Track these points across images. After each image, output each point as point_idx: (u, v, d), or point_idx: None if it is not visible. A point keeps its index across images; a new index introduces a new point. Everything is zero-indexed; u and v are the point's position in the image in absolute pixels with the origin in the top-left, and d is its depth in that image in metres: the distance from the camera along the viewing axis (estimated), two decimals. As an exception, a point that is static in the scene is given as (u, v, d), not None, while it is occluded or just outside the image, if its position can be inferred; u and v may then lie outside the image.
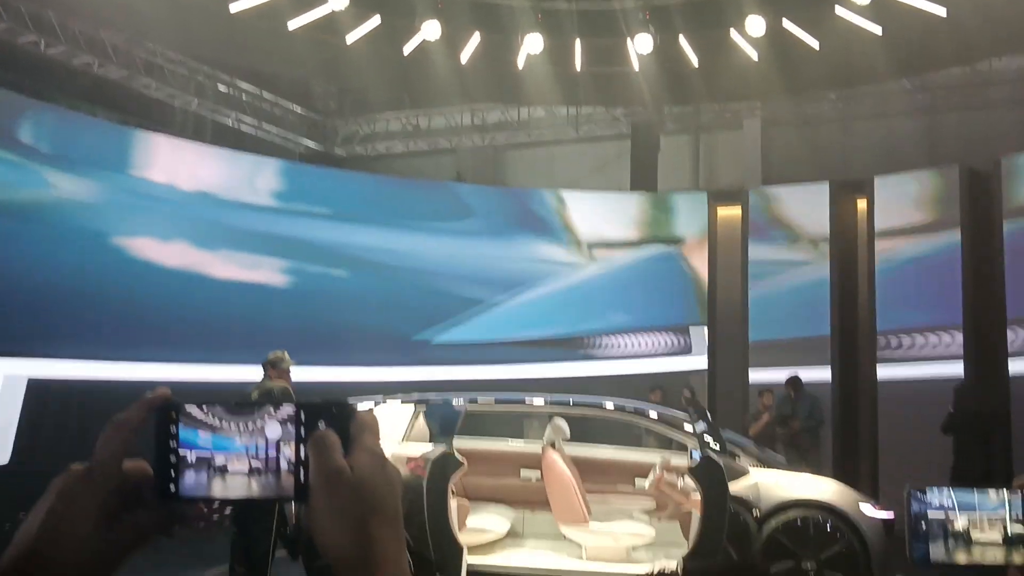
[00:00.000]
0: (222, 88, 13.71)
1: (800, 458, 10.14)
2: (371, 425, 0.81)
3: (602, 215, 13.66)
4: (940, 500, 0.93)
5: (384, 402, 7.27)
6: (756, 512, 6.51)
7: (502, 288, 13.30)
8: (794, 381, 10.90)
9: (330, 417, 0.82)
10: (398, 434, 6.93)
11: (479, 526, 7.30)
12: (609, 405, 7.73)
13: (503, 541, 7.54)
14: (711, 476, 6.28)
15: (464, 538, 7.03)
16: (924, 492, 0.93)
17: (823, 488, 6.89)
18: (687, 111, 14.65)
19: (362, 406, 0.80)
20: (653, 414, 7.72)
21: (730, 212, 13.46)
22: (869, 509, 6.69)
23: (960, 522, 0.92)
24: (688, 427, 7.07)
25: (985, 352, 11.04)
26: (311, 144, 15.49)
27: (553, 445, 7.49)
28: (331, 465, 0.77)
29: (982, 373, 10.99)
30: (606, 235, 13.64)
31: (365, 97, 15.50)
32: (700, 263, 13.47)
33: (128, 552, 0.80)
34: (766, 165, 14.19)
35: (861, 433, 11.91)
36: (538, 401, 7.59)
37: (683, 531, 7.05)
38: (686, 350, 13.34)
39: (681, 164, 14.79)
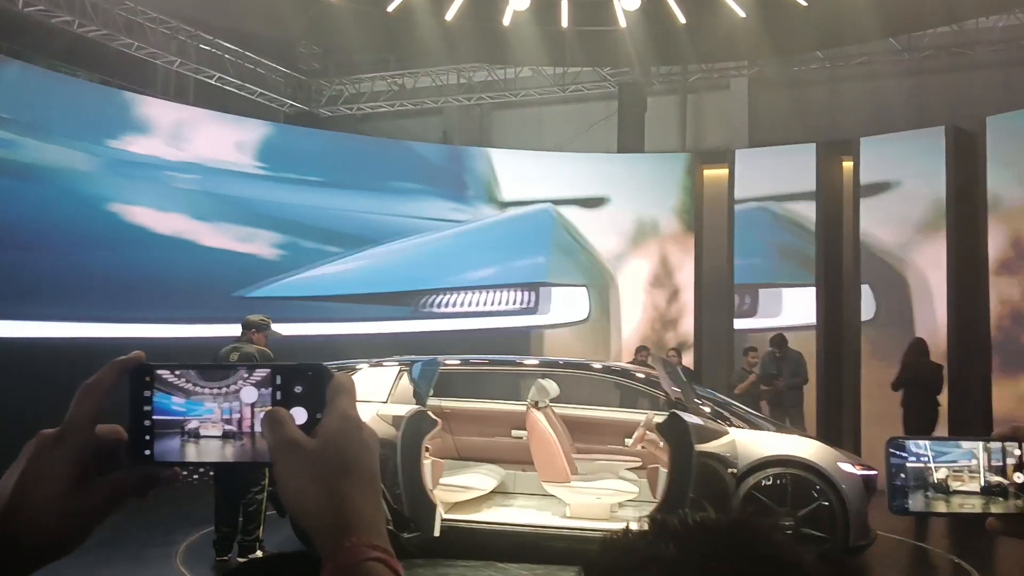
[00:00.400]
0: (204, 48, 13.54)
1: (784, 416, 10.26)
2: (347, 387, 0.79)
3: (528, 174, 13.58)
4: (919, 451, 0.93)
5: (380, 365, 7.34)
6: (733, 470, 6.55)
7: (356, 243, 12.83)
8: (779, 339, 10.96)
9: (306, 380, 0.81)
10: (383, 395, 7.01)
11: (463, 484, 7.40)
12: (597, 366, 7.88)
13: (493, 498, 7.67)
14: (677, 433, 6.43)
15: (447, 496, 7.15)
16: (903, 443, 0.93)
17: (801, 446, 6.90)
18: (674, 71, 14.58)
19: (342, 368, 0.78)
20: (640, 375, 7.80)
21: (717, 172, 13.47)
22: (848, 467, 6.70)
23: (939, 473, 0.93)
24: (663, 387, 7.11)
25: (966, 307, 11.14)
26: (296, 104, 15.35)
27: (536, 405, 7.55)
28: (283, 438, 0.76)
29: (963, 327, 11.10)
30: (526, 194, 13.62)
31: (350, 57, 15.36)
32: (601, 223, 13.43)
33: (102, 516, 0.80)
34: (753, 126, 14.17)
35: (846, 390, 12.03)
36: (530, 362, 7.67)
37: (650, 487, 7.09)
38: (531, 309, 13.31)
39: (668, 125, 14.74)
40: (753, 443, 6.78)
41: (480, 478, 7.58)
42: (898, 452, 0.92)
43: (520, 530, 7.01)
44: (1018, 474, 0.90)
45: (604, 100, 14.97)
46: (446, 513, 6.98)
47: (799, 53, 13.47)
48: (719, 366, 12.47)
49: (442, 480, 7.32)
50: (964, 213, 11.34)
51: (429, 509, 6.53)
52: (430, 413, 6.71)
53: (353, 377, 0.83)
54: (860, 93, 13.65)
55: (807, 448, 6.88)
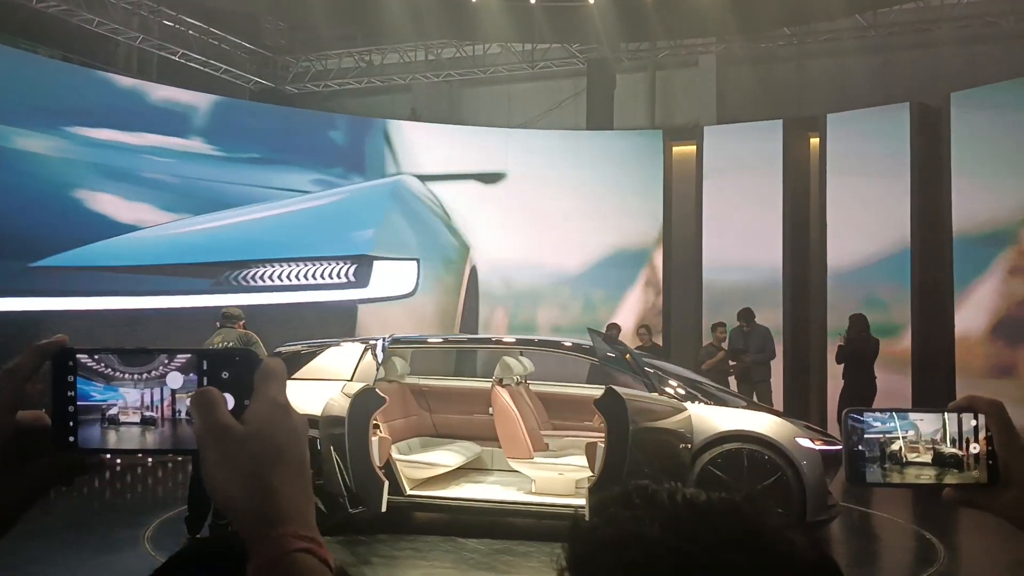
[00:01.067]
0: (168, 24, 13.31)
1: (752, 390, 10.36)
2: (276, 373, 0.77)
3: (427, 148, 13.52)
4: (876, 423, 0.94)
5: (338, 345, 7.34)
6: (687, 445, 6.56)
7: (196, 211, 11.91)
8: (746, 313, 11.04)
9: (233, 365, 0.79)
10: (347, 373, 7.07)
11: (428, 461, 7.46)
12: (567, 344, 7.91)
13: (468, 475, 7.74)
14: (613, 408, 6.39)
15: (414, 472, 7.22)
16: (861, 415, 0.95)
17: (758, 421, 6.84)
18: (643, 48, 14.56)
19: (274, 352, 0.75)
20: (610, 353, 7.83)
21: (685, 149, 13.52)
22: (806, 441, 6.65)
23: (896, 444, 0.94)
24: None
25: (931, 288, 11.30)
26: (261, 81, 15.16)
27: (501, 382, 7.59)
28: (213, 423, 0.74)
29: (928, 306, 11.26)
30: (424, 169, 13.57)
31: (316, 33, 15.17)
32: (470, 199, 13.39)
33: (26, 504, 0.78)
34: (721, 103, 14.21)
35: (812, 365, 12.18)
36: (508, 340, 7.69)
37: (589, 462, 6.99)
38: (353, 284, 12.75)
39: (637, 102, 14.74)
40: (710, 418, 6.76)
41: (446, 455, 7.62)
42: (855, 424, 0.93)
43: (483, 506, 7.05)
44: (974, 445, 0.91)
45: (573, 77, 14.94)
46: (412, 489, 7.06)
47: (766, 30, 13.50)
48: (688, 342, 12.56)
49: (408, 457, 7.39)
50: (928, 187, 11.47)
51: (377, 486, 6.56)
52: (378, 391, 6.70)
53: (283, 361, 0.80)
54: (826, 70, 13.72)
55: (763, 423, 6.83)
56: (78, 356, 0.80)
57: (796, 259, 12.52)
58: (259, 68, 15.20)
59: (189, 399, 0.77)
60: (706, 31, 13.57)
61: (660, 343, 12.20)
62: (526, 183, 13.60)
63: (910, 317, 11.31)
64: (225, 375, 0.78)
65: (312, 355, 7.41)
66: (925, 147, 11.56)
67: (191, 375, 0.79)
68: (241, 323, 7.33)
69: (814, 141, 12.69)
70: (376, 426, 6.74)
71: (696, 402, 6.92)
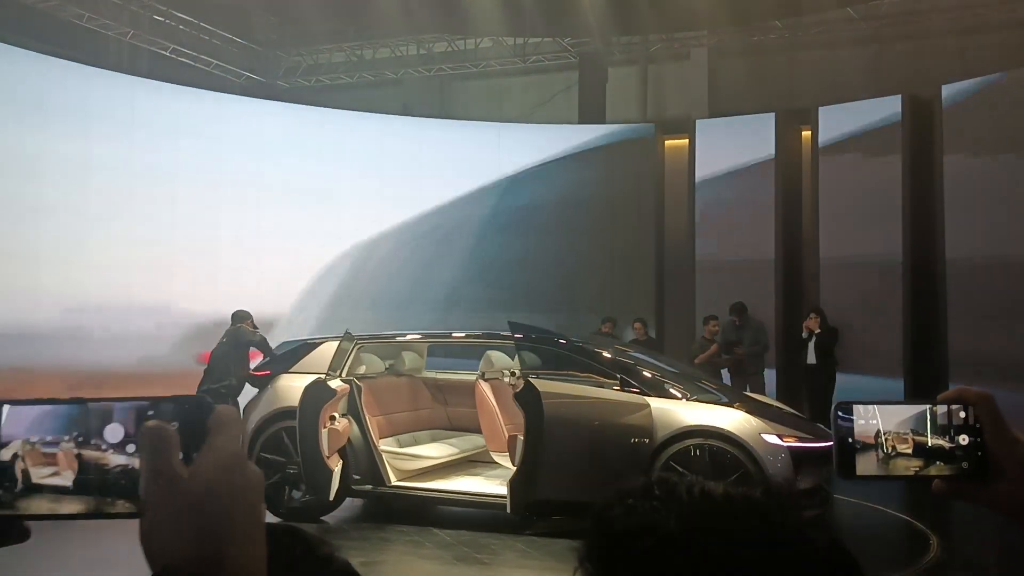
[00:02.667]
0: (158, 19, 13.26)
1: (745, 383, 10.38)
2: (230, 421, 0.71)
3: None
4: (866, 415, 0.94)
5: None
6: (646, 440, 6.48)
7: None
8: (738, 307, 11.06)
9: (183, 413, 0.72)
10: (336, 369, 7.25)
11: (417, 453, 7.61)
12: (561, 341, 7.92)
13: (468, 467, 7.85)
14: (530, 401, 6.50)
15: (402, 464, 7.42)
16: (850, 407, 0.94)
17: (722, 417, 6.64)
18: (634, 41, 14.55)
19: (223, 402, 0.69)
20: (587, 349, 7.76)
21: (678, 143, 13.52)
22: (773, 438, 6.44)
23: (886, 437, 0.94)
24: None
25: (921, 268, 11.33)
26: (252, 76, 15.11)
27: (483, 376, 7.71)
28: (163, 469, 0.67)
29: (920, 297, 11.29)
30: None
31: (307, 28, 15.13)
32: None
33: None
34: (713, 96, 14.21)
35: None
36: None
37: (510, 455, 7.05)
38: None
39: (629, 95, 14.74)
40: (672, 413, 6.61)
41: (440, 447, 7.75)
42: (845, 416, 0.92)
43: (458, 497, 7.17)
44: (963, 436, 0.91)
45: (565, 71, 14.92)
46: (399, 480, 7.25)
47: (758, 22, 13.50)
48: (681, 336, 12.57)
49: (397, 449, 7.56)
50: (920, 178, 11.48)
51: (325, 474, 6.74)
52: (329, 384, 6.88)
53: (236, 410, 0.73)
54: (818, 62, 13.72)
55: (727, 419, 6.62)
56: (6, 406, 0.72)
57: (788, 251, 12.53)
58: (250, 63, 15.15)
59: (139, 437, 0.69)
60: (698, 24, 13.56)
61: (653, 336, 12.22)
62: (519, 177, 13.57)
63: (901, 308, 11.33)
64: (175, 425, 0.71)
65: (313, 347, 7.65)
66: (917, 138, 11.57)
67: (134, 427, 0.71)
68: (248, 322, 7.55)
69: (806, 134, 12.70)
70: (332, 417, 6.90)
71: (661, 397, 6.74)
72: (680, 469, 6.43)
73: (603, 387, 6.84)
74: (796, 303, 12.38)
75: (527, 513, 6.72)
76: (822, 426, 7.18)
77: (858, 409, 0.93)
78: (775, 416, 6.99)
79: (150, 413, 0.72)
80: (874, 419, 0.92)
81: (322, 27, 14.80)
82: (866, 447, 0.92)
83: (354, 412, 7.29)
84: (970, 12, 12.48)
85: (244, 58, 15.06)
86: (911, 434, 0.91)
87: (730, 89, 14.16)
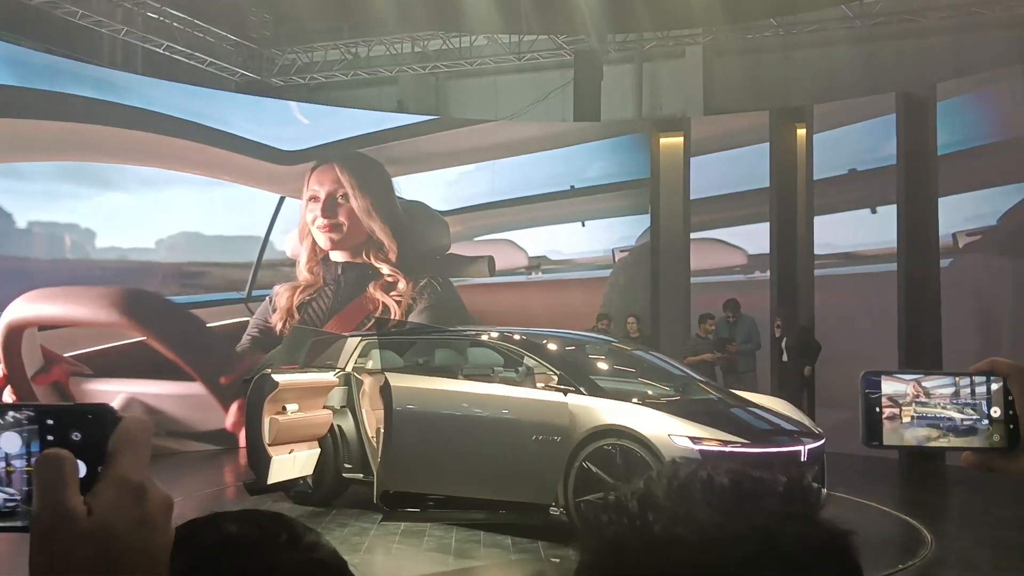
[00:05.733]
0: (152, 16, 13.21)
1: (738, 380, 10.37)
2: (136, 438, 0.64)
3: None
4: (894, 385, 0.92)
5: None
6: (557, 438, 6.41)
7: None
8: (731, 304, 11.06)
9: (85, 425, 0.65)
10: (343, 362, 7.67)
11: None
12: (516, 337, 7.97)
13: None
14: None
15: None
16: (877, 377, 0.92)
17: (634, 415, 6.43)
18: (630, 39, 14.54)
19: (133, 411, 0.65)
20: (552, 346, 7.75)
21: (672, 141, 13.52)
22: (684, 441, 6.19)
23: (914, 406, 0.92)
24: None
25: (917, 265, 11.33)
26: (247, 74, 15.07)
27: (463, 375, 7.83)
28: (56, 505, 0.60)
29: (915, 296, 11.29)
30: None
31: (302, 25, 15.09)
32: None
33: None
34: (708, 94, 14.21)
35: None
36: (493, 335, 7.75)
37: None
38: None
39: (624, 93, 14.73)
40: (592, 411, 6.48)
41: None
42: (873, 384, 0.90)
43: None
44: (995, 408, 0.89)
45: (560, 69, 14.90)
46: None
47: (753, 20, 13.50)
48: (676, 333, 12.56)
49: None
50: (915, 176, 11.48)
51: (264, 461, 7.15)
52: (273, 376, 7.23)
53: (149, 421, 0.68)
54: (813, 60, 13.73)
55: (638, 418, 6.40)
56: None
57: (783, 249, 12.53)
58: (244, 60, 15.11)
59: (33, 465, 0.63)
60: (693, 22, 13.56)
61: (647, 333, 12.21)
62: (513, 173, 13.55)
63: (896, 308, 11.33)
64: (76, 436, 0.65)
65: (329, 343, 8.28)
66: (912, 136, 11.57)
67: (32, 435, 0.65)
68: None
69: (801, 132, 12.70)
70: (283, 408, 7.33)
71: (583, 395, 6.63)
72: (594, 469, 6.37)
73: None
74: (791, 301, 12.38)
75: (382, 504, 6.95)
76: (807, 427, 7.04)
77: (887, 378, 0.91)
78: (722, 416, 6.74)
79: (49, 423, 0.65)
80: (903, 388, 0.90)
81: (317, 24, 14.76)
82: (893, 417, 0.90)
83: (351, 405, 7.53)
84: (964, 11, 12.49)
85: (238, 55, 15.01)
86: (940, 405, 0.90)
87: (725, 87, 14.15)
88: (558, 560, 6.31)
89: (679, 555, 0.64)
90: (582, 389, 6.69)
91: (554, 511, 6.53)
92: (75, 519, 0.60)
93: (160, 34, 13.39)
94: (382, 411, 7.00)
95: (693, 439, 6.18)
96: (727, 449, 6.12)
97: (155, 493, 0.63)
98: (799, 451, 6.32)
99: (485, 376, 7.34)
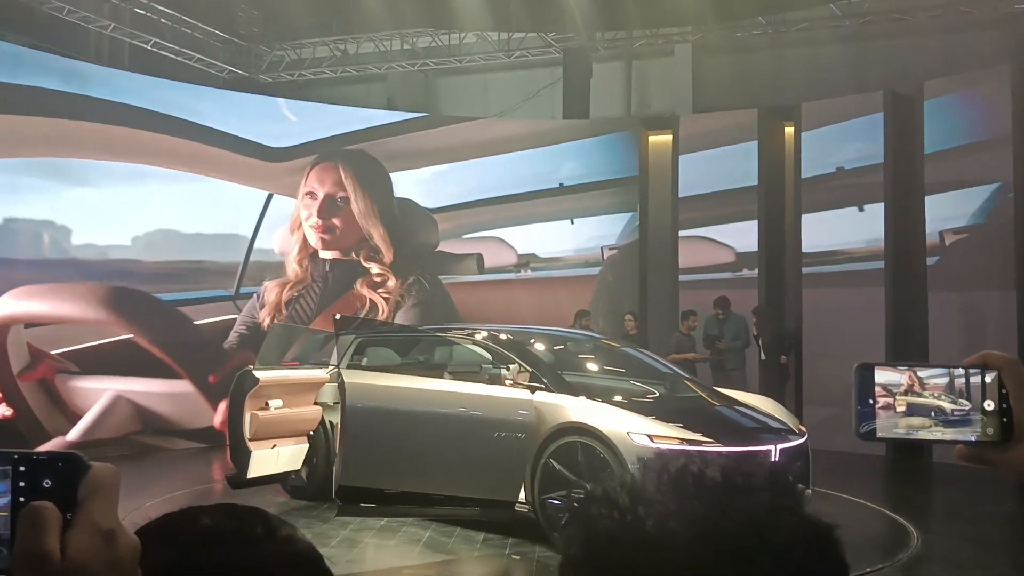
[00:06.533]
0: (139, 11, 13.14)
1: (726, 378, 10.40)
2: (105, 486, 0.67)
3: None
4: (888, 377, 0.92)
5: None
6: (521, 435, 6.39)
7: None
8: (721, 301, 11.10)
9: (55, 472, 0.67)
10: (338, 359, 7.72)
11: None
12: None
13: None
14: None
15: None
16: (871, 368, 0.92)
17: (595, 413, 6.41)
18: (619, 37, 14.55)
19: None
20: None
21: (661, 139, 13.55)
22: (642, 439, 6.12)
23: (908, 399, 0.91)
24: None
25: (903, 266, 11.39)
26: (235, 70, 15.01)
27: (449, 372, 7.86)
28: (35, 550, 0.64)
29: (902, 294, 11.34)
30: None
31: (291, 22, 15.04)
32: None
33: None
34: (697, 92, 14.23)
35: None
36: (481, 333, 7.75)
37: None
38: None
39: (613, 91, 14.74)
40: (557, 408, 6.47)
41: None
42: (866, 376, 0.90)
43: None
44: (988, 401, 0.89)
45: (549, 66, 14.90)
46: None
47: (742, 18, 13.53)
48: (664, 330, 12.58)
49: None
50: (902, 175, 11.54)
51: (245, 453, 7.38)
52: (254, 373, 7.44)
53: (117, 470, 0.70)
54: (802, 59, 13.77)
55: (597, 415, 6.39)
56: None
57: (771, 248, 12.57)
58: (232, 57, 15.05)
59: (22, 514, 0.66)
60: (682, 20, 13.58)
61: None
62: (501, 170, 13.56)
63: (884, 304, 11.38)
64: (47, 483, 0.67)
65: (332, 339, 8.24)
66: (899, 135, 11.62)
67: (2, 482, 0.68)
68: None
69: (789, 130, 12.74)
70: (267, 404, 7.48)
71: (551, 392, 6.63)
72: (558, 467, 6.37)
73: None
74: (779, 300, 12.42)
75: (338, 499, 6.98)
76: (787, 425, 6.96)
77: (880, 370, 0.90)
78: (699, 414, 6.71)
79: (21, 469, 0.68)
80: (896, 380, 0.90)
81: (305, 21, 14.71)
82: (886, 408, 0.90)
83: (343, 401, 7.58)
84: (952, 10, 12.55)
85: (226, 52, 14.95)
86: (933, 397, 0.89)
87: (714, 85, 14.18)
88: (518, 558, 6.35)
89: (673, 550, 0.64)
90: (550, 386, 6.68)
91: (520, 508, 6.52)
92: (50, 561, 0.64)
93: (147, 30, 13.33)
94: (339, 408, 7.12)
95: (651, 437, 6.13)
96: (687, 448, 6.02)
97: (124, 537, 0.67)
98: (769, 450, 6.27)
99: (451, 373, 7.35)
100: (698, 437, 6.17)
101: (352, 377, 7.19)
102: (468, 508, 6.64)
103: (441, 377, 7.29)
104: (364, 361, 7.92)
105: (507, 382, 6.88)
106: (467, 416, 6.63)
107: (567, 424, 6.42)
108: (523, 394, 6.58)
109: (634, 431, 6.18)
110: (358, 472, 6.81)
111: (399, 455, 6.82)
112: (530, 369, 6.88)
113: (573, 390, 6.72)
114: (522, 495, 6.53)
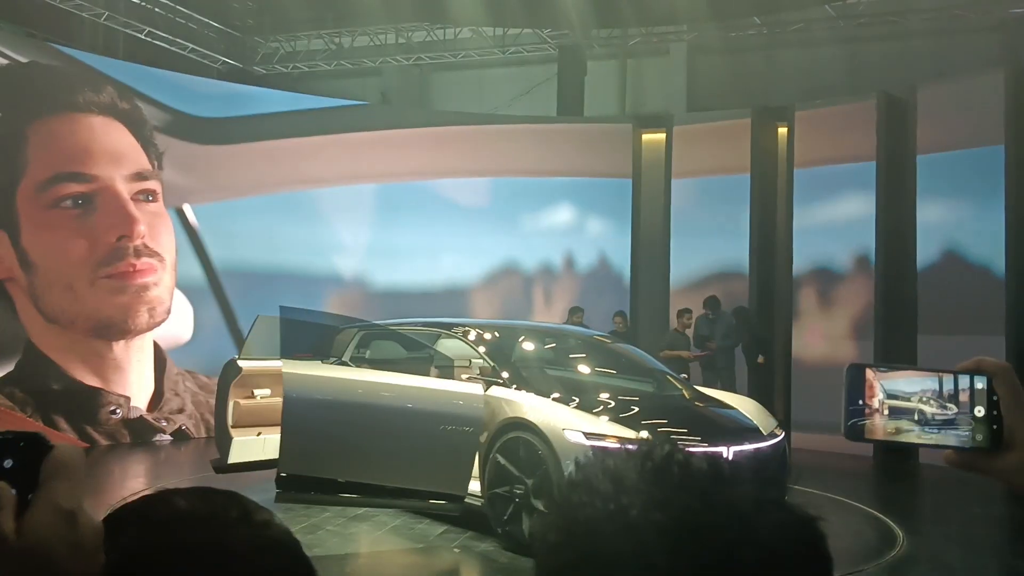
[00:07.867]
0: (134, 1, 13.09)
1: (716, 377, 10.44)
2: (67, 467, 0.65)
3: None
4: (879, 380, 0.91)
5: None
6: (468, 428, 6.31)
7: None
8: (711, 301, 11.11)
9: (17, 452, 0.66)
10: (340, 352, 7.65)
11: None
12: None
13: None
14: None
15: None
16: (862, 371, 0.91)
17: (536, 408, 6.37)
18: (614, 35, 14.56)
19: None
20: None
21: (655, 137, 13.56)
22: (576, 436, 6.04)
23: (898, 402, 0.91)
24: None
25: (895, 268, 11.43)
26: (229, 61, 14.97)
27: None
28: None
29: (893, 298, 11.39)
30: None
31: (286, 14, 15.00)
32: None
33: None
34: (691, 92, 14.25)
35: (777, 354, 12.27)
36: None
37: None
38: None
39: (607, 89, 14.75)
40: (509, 403, 6.47)
41: None
42: (857, 378, 0.89)
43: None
44: (978, 408, 0.88)
45: (544, 63, 14.91)
46: None
47: (737, 19, 13.55)
48: (656, 328, 12.60)
49: None
50: (894, 177, 11.57)
51: (227, 440, 7.51)
52: (238, 363, 7.58)
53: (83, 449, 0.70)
54: (796, 60, 13.80)
55: (536, 410, 6.34)
56: None
57: (763, 249, 12.59)
58: (227, 48, 15.00)
59: None
60: (677, 19, 13.59)
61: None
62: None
63: (874, 307, 11.42)
64: (8, 463, 0.66)
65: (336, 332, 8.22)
66: (891, 138, 11.65)
67: None
68: None
69: (782, 131, 12.76)
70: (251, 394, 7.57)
71: (505, 387, 6.63)
72: (502, 461, 6.38)
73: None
74: (768, 301, 12.46)
75: (278, 486, 6.75)
76: (756, 426, 6.83)
77: (871, 372, 0.89)
78: (668, 413, 6.66)
79: None
80: (887, 383, 0.89)
81: (301, 13, 14.68)
82: (876, 410, 0.89)
83: None
84: (947, 13, 12.60)
85: (221, 43, 14.91)
86: (924, 402, 0.89)
87: (708, 85, 14.20)
88: (458, 551, 6.37)
89: (657, 540, 0.63)
90: (507, 381, 6.66)
91: (471, 501, 6.51)
92: (4, 540, 0.62)
93: (141, 20, 13.28)
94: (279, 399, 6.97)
95: (587, 435, 6.04)
96: (623, 447, 5.93)
97: (86, 520, 0.65)
98: (720, 451, 6.10)
99: (404, 366, 7.28)
100: (638, 436, 6.04)
101: (304, 369, 6.93)
102: (415, 500, 6.56)
103: (393, 370, 7.15)
104: (368, 354, 7.86)
105: (463, 376, 6.93)
106: (412, 408, 6.53)
107: (512, 419, 6.40)
108: (475, 388, 6.51)
109: (569, 428, 6.12)
110: (300, 461, 6.69)
111: (342, 446, 6.62)
112: (491, 363, 6.90)
113: (529, 385, 6.67)
114: (477, 488, 6.52)
